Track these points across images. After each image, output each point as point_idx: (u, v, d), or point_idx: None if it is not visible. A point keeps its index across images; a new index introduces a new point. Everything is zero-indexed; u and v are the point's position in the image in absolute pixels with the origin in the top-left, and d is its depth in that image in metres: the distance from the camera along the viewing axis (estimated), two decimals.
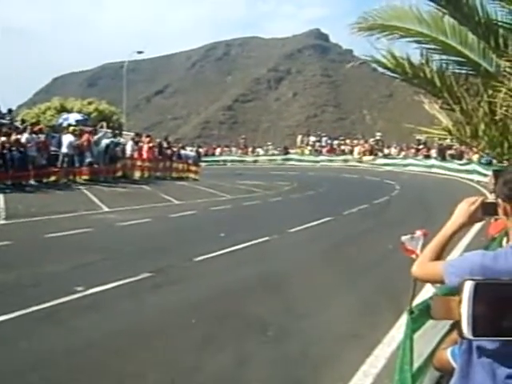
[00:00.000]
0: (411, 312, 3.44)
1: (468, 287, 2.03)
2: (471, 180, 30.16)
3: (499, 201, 2.32)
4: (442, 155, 39.13)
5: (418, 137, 43.73)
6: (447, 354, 2.65)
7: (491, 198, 2.57)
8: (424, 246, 3.41)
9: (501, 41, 3.77)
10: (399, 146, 48.17)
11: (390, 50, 4.38)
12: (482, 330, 2.06)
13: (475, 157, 33.59)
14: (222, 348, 6.01)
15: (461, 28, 4.27)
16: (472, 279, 2.10)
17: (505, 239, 5.23)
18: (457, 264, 2.32)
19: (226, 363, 5.60)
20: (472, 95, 3.82)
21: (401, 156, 45.77)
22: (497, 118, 3.59)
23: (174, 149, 33.57)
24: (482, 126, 3.61)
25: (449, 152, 38.78)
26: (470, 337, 2.05)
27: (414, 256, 3.41)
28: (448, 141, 3.97)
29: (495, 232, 6.70)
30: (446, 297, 2.20)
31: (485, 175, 28.39)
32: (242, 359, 5.69)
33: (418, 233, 3.38)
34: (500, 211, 2.34)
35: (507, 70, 3.48)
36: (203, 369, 5.47)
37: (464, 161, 35.55)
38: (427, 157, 41.62)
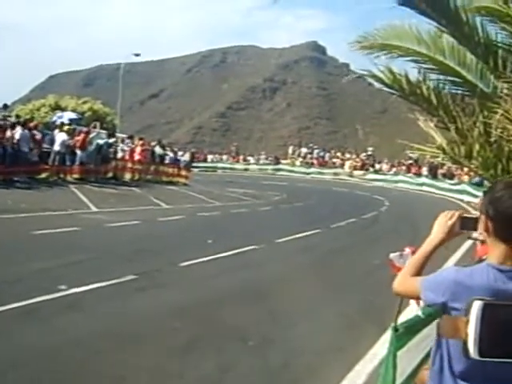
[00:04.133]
0: (396, 329, 3.43)
1: (476, 307, 2.02)
2: (461, 200, 30.30)
3: (482, 217, 2.32)
4: (433, 174, 39.30)
5: (410, 154, 43.97)
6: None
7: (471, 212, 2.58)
8: None
9: (500, 62, 3.78)
10: (390, 162, 48.37)
11: (388, 66, 4.39)
12: (489, 351, 2.05)
13: (466, 177, 33.77)
14: (203, 355, 5.97)
15: (459, 49, 4.29)
16: (481, 299, 2.10)
17: None
18: (431, 279, 2.35)
19: (206, 371, 5.56)
20: (468, 115, 3.83)
21: (392, 172, 45.95)
22: (492, 139, 3.60)
23: (168, 152, 33.51)
24: (477, 147, 3.62)
25: (440, 171, 38.94)
26: (477, 357, 2.03)
27: None
28: (440, 159, 3.98)
29: (483, 254, 6.72)
30: (454, 316, 2.19)
31: (475, 196, 28.54)
32: (223, 368, 5.66)
33: (407, 250, 3.36)
34: (481, 227, 2.35)
35: (505, 91, 3.49)
36: (184, 375, 5.43)
37: (455, 181, 35.69)
38: (418, 174, 41.77)
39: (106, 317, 7.05)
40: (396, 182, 42.54)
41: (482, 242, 7.37)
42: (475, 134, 3.71)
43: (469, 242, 15.06)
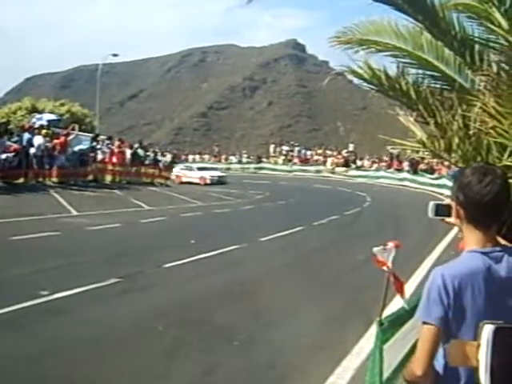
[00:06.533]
0: (381, 323, 3.43)
1: (487, 331, 1.89)
2: (441, 194, 30.49)
3: (453, 203, 2.31)
4: (413, 169, 39.52)
5: (391, 150, 44.21)
6: (410, 366, 2.62)
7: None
8: (395, 258, 3.40)
9: (476, 56, 3.80)
10: (372, 158, 48.60)
11: (367, 61, 4.38)
12: (502, 380, 1.93)
13: (446, 171, 34.00)
14: (188, 356, 5.94)
15: (437, 43, 4.29)
16: (492, 323, 1.99)
17: None
18: (425, 298, 2.22)
19: (192, 372, 5.53)
20: (446, 109, 3.84)
21: (373, 168, 46.17)
22: (471, 132, 3.60)
23: (148, 154, 33.33)
24: (456, 140, 3.62)
25: (421, 166, 39.16)
26: None
27: (385, 268, 3.39)
28: (421, 153, 3.98)
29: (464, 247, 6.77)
30: (462, 340, 2.08)
31: None
32: (209, 368, 5.63)
33: (390, 244, 3.36)
34: (453, 214, 2.33)
35: (482, 84, 3.50)
36: (170, 377, 5.39)
37: (435, 175, 35.91)
38: (399, 170, 41.99)
39: (90, 321, 6.96)
40: (377, 177, 42.75)
41: None
42: (454, 128, 3.71)
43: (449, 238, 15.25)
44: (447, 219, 2.46)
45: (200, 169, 40.82)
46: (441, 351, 2.21)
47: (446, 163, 32.65)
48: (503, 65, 2.98)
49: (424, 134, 3.82)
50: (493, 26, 2.97)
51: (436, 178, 34.94)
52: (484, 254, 2.20)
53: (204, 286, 9.06)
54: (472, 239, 2.25)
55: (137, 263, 10.28)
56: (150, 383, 5.33)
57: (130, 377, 5.36)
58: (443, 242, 13.84)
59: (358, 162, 48.92)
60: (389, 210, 23.28)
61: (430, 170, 37.60)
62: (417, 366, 2.18)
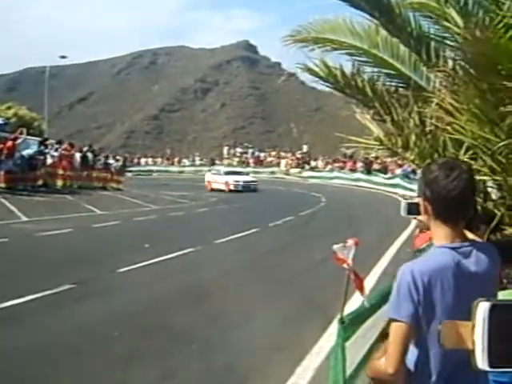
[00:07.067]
0: (342, 321, 3.42)
1: (482, 309, 1.77)
2: (395, 193, 31.04)
3: (420, 200, 2.30)
4: (367, 169, 39.98)
5: (345, 150, 44.72)
6: (381, 364, 2.60)
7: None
8: (355, 255, 3.39)
9: (432, 53, 3.83)
10: (325, 159, 49.07)
11: (323, 59, 4.37)
12: (500, 361, 1.82)
13: (399, 171, 34.59)
14: (146, 362, 5.82)
15: (392, 41, 4.32)
16: (488, 300, 1.96)
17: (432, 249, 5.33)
18: (394, 296, 2.21)
19: (150, 378, 5.42)
20: (402, 106, 3.86)
21: (327, 169, 46.59)
22: (427, 129, 3.63)
23: (98, 157, 32.80)
24: (413, 138, 3.64)
25: (374, 166, 39.68)
26: (486, 368, 1.90)
27: (345, 265, 3.38)
28: (378, 151, 3.99)
29: (421, 244, 6.85)
30: (456, 321, 2.03)
31: (409, 189, 29.27)
32: (167, 373, 5.54)
33: (350, 242, 3.35)
34: (422, 210, 2.32)
35: (438, 82, 3.53)
36: (128, 383, 5.27)
37: (389, 175, 36.45)
38: (353, 170, 42.44)
39: (44, 328, 6.78)
40: (332, 178, 43.16)
41: (421, 231, 7.45)
42: (411, 125, 3.73)
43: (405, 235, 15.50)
44: (419, 217, 2.45)
45: (227, 173, 36.18)
46: (411, 348, 2.20)
47: (400, 162, 33.26)
48: (460, 61, 3.00)
49: (381, 131, 3.83)
50: (448, 24, 2.98)
51: (389, 178, 35.50)
52: (453, 249, 2.20)
53: (160, 290, 8.93)
54: (440, 235, 2.24)
55: (90, 269, 10.07)
56: None
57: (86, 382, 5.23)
58: (399, 241, 14.06)
59: (312, 163, 49.32)
60: (344, 210, 23.52)
61: (384, 170, 38.13)
62: (389, 364, 2.17)
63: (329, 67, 4.33)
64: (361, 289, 3.52)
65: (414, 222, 18.08)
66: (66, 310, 7.56)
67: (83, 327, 6.86)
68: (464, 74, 3.00)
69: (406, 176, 31.15)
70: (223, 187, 33.80)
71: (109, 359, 5.84)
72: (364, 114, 4.07)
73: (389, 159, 34.39)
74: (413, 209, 2.50)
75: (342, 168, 44.57)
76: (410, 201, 2.55)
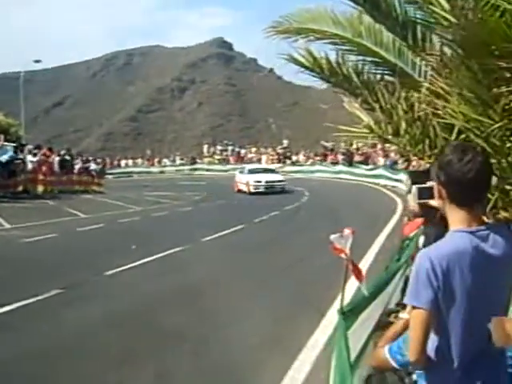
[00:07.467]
0: (343, 312, 3.40)
1: None
2: (377, 184, 31.17)
3: (435, 184, 2.27)
4: (348, 161, 39.93)
5: (325, 143, 44.80)
6: (385, 353, 2.58)
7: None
8: (352, 244, 3.37)
9: (419, 38, 3.81)
10: (307, 153, 49.11)
11: (308, 48, 4.34)
12: None
13: (382, 161, 34.65)
14: (139, 363, 5.77)
15: (376, 29, 4.30)
16: None
17: (421, 238, 5.32)
18: (413, 283, 2.17)
19: (145, 378, 5.38)
20: (390, 92, 3.83)
21: (308, 163, 46.60)
22: (418, 115, 3.61)
23: (77, 161, 32.54)
24: (403, 125, 3.62)
25: (356, 158, 39.65)
26: None
27: (342, 255, 3.35)
28: (370, 139, 3.95)
29: (410, 232, 6.87)
30: (502, 318, 1.98)
31: (392, 179, 29.40)
32: (160, 373, 5.49)
33: (347, 231, 3.33)
34: (436, 195, 2.29)
35: (428, 66, 3.51)
36: None
37: (371, 166, 36.49)
38: (335, 163, 42.39)
39: (35, 334, 6.69)
40: (313, 172, 43.16)
41: (409, 219, 7.44)
42: (400, 112, 3.71)
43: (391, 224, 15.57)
44: (431, 202, 2.42)
45: (251, 171, 31.42)
46: (432, 336, 2.16)
47: (384, 152, 33.29)
48: (451, 44, 2.98)
49: (371, 119, 3.81)
50: (435, 8, 2.95)
51: (371, 169, 35.56)
52: (470, 233, 2.17)
53: (149, 291, 8.86)
54: (456, 219, 2.21)
55: (78, 273, 9.96)
56: None
57: None
58: (385, 230, 14.16)
59: (294, 158, 49.34)
60: (327, 203, 23.56)
61: (366, 161, 38.12)
62: (411, 352, 2.13)
63: (314, 56, 4.30)
64: (360, 278, 3.50)
65: (399, 212, 18.21)
66: (55, 315, 7.47)
67: (75, 331, 6.80)
68: (455, 57, 2.98)
69: (391, 166, 31.21)
70: (245, 188, 29.94)
71: (102, 361, 5.78)
72: (352, 102, 4.04)
73: (371, 149, 34.52)
74: (424, 193, 2.45)
75: (323, 161, 44.58)
76: (421, 186, 2.50)
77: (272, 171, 32.96)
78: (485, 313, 2.11)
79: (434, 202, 2.38)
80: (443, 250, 2.14)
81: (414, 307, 2.13)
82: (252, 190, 29.02)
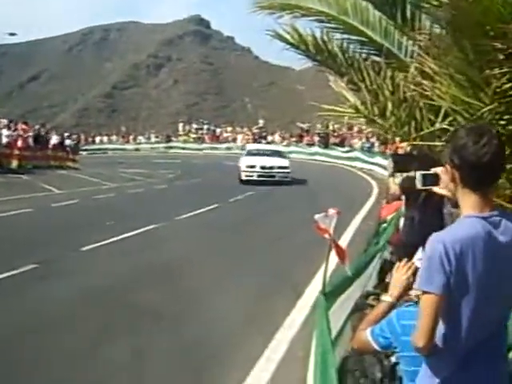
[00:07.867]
0: (325, 293, 3.40)
1: None
2: (354, 167, 31.28)
3: (447, 167, 2.21)
4: (324, 143, 39.91)
5: (301, 125, 44.72)
6: (367, 335, 2.56)
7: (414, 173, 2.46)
8: (337, 224, 3.35)
9: (408, 17, 3.78)
10: (282, 134, 48.99)
11: (293, 25, 4.28)
12: None
13: (358, 144, 34.71)
14: (116, 339, 5.76)
15: (362, 7, 4.26)
16: None
17: (402, 220, 5.33)
18: (425, 269, 2.12)
19: (121, 354, 5.35)
20: (376, 72, 3.80)
21: (284, 144, 46.45)
22: (402, 97, 3.59)
23: (52, 137, 32.08)
24: (390, 106, 3.60)
25: (332, 140, 39.64)
26: None
27: (326, 235, 3.34)
28: (354, 120, 3.92)
29: (387, 214, 6.89)
30: None
31: (368, 162, 29.50)
32: (137, 350, 5.48)
33: (332, 211, 3.30)
34: (447, 178, 2.22)
35: (417, 46, 3.48)
36: (98, 360, 5.17)
37: (347, 148, 36.51)
38: (310, 145, 42.29)
39: (9, 309, 6.64)
40: (289, 152, 43.04)
41: (387, 202, 7.44)
42: (386, 93, 3.68)
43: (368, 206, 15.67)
44: (435, 188, 2.38)
45: (250, 153, 25.47)
46: (440, 322, 2.13)
47: (359, 134, 33.30)
48: (443, 24, 2.94)
49: (357, 99, 3.77)
50: None
51: (347, 151, 35.59)
52: (483, 218, 2.13)
53: (125, 268, 8.83)
54: (468, 204, 2.16)
55: (53, 248, 9.88)
56: (78, 368, 5.07)
57: (57, 362, 5.12)
58: (361, 213, 14.26)
59: (269, 138, 49.17)
60: (302, 183, 23.57)
61: (342, 144, 38.13)
62: (419, 337, 2.10)
63: (299, 33, 4.24)
64: (343, 258, 3.49)
65: (374, 196, 18.32)
66: (30, 290, 7.41)
67: (50, 307, 6.75)
68: (445, 36, 2.94)
69: (369, 149, 31.31)
70: (242, 175, 23.76)
71: (78, 337, 5.74)
72: (338, 81, 4.00)
73: (347, 132, 34.56)
74: (428, 180, 2.40)
75: (298, 142, 44.50)
76: (425, 172, 2.44)
77: (278, 154, 26.07)
78: (493, 302, 2.10)
79: (437, 189, 2.35)
80: (457, 235, 2.09)
81: (424, 292, 2.10)
82: (243, 178, 23.43)
